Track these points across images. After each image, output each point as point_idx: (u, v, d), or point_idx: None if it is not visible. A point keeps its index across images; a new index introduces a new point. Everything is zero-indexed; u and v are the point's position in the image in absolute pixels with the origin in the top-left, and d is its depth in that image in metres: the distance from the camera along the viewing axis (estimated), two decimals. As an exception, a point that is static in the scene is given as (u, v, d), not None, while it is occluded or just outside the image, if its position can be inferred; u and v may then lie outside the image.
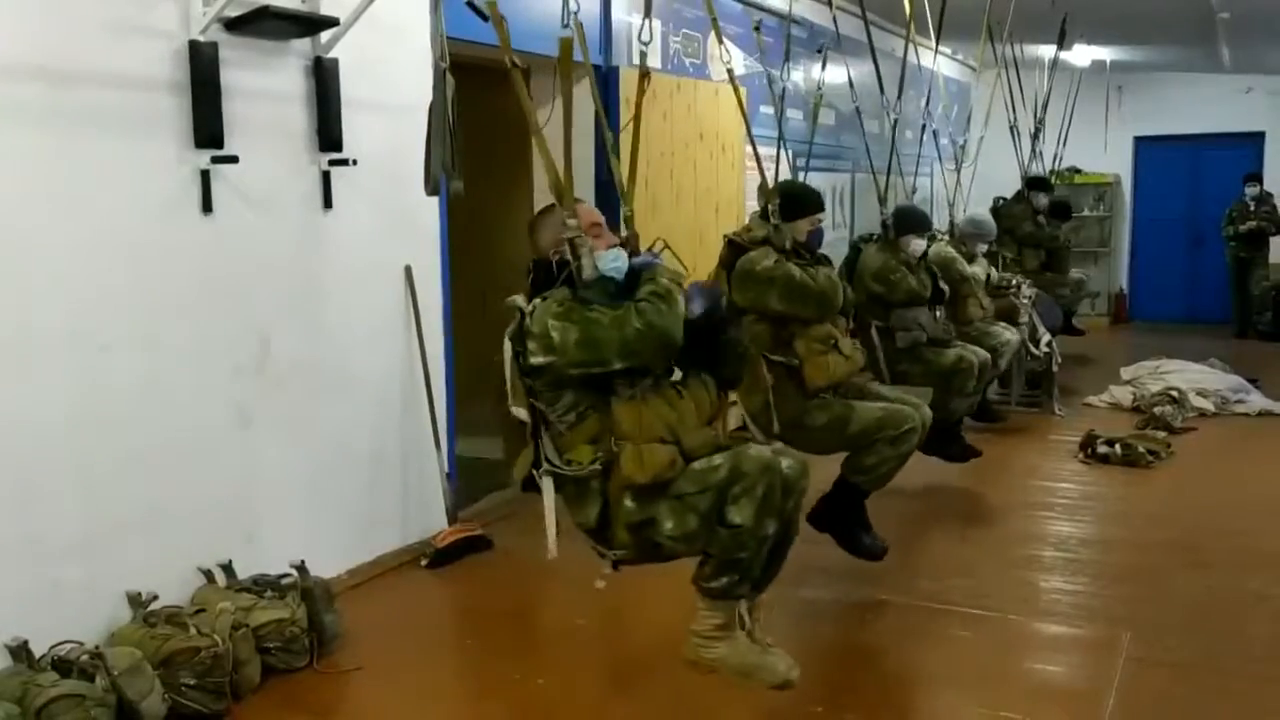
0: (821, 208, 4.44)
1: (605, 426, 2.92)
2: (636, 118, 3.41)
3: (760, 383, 4.17)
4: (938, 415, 5.91)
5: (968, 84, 12.63)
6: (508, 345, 2.96)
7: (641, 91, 3.47)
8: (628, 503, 2.92)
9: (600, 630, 3.39)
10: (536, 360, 2.90)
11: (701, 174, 6.43)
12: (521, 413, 2.96)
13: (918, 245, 5.90)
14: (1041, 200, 9.14)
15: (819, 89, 5.55)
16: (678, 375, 3.00)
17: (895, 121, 6.60)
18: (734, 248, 4.31)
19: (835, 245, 6.21)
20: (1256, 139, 12.44)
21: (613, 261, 3.01)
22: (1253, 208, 11.58)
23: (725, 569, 2.90)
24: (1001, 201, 9.21)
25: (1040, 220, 9.06)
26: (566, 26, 3.22)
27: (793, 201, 4.37)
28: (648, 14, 3.49)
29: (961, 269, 6.92)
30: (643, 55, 3.46)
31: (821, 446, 4.30)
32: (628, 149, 3.41)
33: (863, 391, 4.41)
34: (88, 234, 3.46)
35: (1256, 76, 12.21)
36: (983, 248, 7.47)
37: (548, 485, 3.01)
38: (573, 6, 3.26)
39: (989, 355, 6.01)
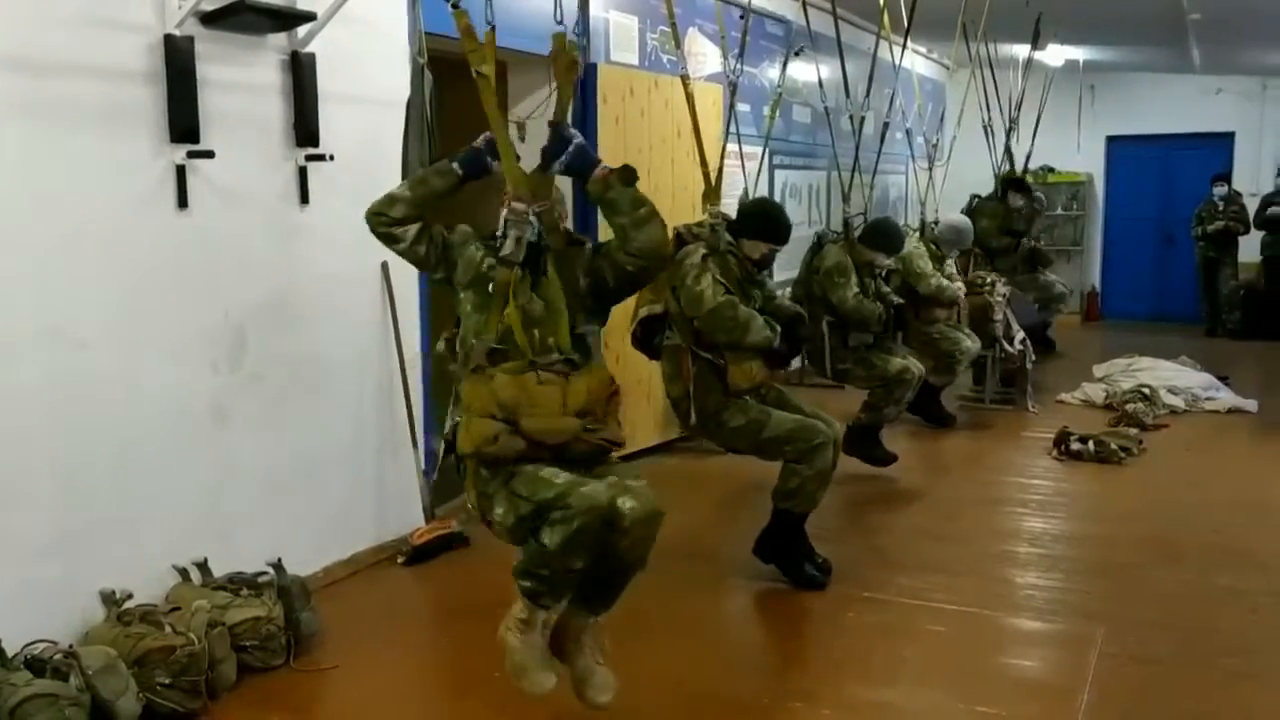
0: (783, 242, 4.47)
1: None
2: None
3: (684, 373, 4.32)
4: (868, 419, 6.00)
5: (942, 83, 12.70)
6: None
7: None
8: (482, 470, 3.07)
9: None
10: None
11: (679, 170, 6.43)
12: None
13: (886, 263, 6.02)
14: (1017, 201, 9.21)
15: (779, 88, 5.58)
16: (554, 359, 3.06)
17: (862, 119, 6.62)
18: (678, 240, 4.41)
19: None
20: (1226, 139, 12.57)
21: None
22: (1221, 208, 11.68)
23: (529, 575, 3.02)
24: (976, 200, 9.27)
25: (1016, 227, 9.09)
26: (561, 23, 3.17)
27: (761, 221, 4.46)
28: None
29: (919, 266, 6.91)
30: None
31: (734, 446, 4.48)
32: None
33: (782, 401, 4.51)
34: (62, 230, 3.42)
35: (1226, 77, 12.33)
36: (954, 251, 7.52)
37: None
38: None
39: (924, 370, 6.08)
